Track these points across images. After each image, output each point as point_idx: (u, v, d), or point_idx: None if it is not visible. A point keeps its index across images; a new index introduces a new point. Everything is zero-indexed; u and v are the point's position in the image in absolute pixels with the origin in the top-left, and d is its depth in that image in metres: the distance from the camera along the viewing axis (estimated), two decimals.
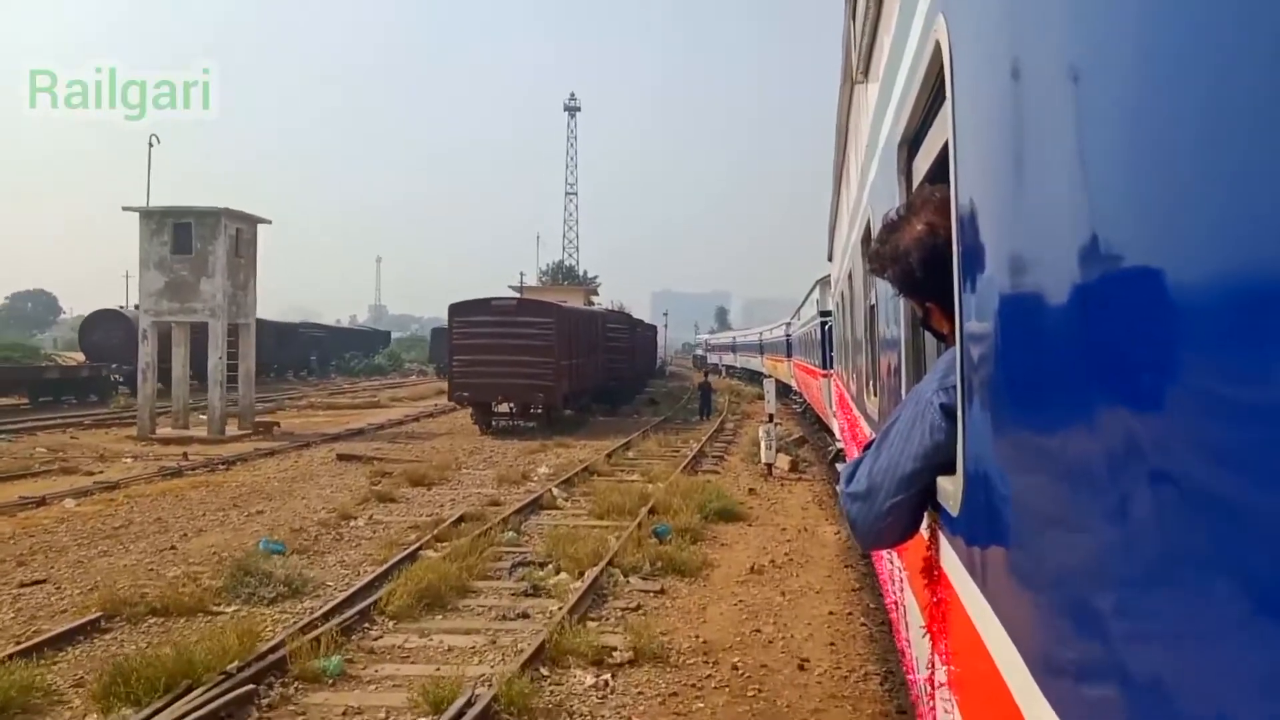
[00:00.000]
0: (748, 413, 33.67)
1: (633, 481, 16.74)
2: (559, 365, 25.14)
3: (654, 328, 58.53)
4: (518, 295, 25.64)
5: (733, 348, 73.87)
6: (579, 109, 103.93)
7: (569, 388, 26.45)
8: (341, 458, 20.03)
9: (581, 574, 9.83)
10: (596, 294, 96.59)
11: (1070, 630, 1.20)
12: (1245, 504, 0.74)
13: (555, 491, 14.90)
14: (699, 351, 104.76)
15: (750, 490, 16.13)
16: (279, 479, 17.40)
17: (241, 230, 26.39)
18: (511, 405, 26.10)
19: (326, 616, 8.34)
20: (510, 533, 11.85)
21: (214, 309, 25.38)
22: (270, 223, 27.85)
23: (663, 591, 9.61)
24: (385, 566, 10.10)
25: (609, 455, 19.68)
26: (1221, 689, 0.79)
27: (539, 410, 26.17)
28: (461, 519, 12.87)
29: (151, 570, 10.55)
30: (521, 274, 70.28)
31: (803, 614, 9.01)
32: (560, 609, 8.59)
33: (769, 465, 18.28)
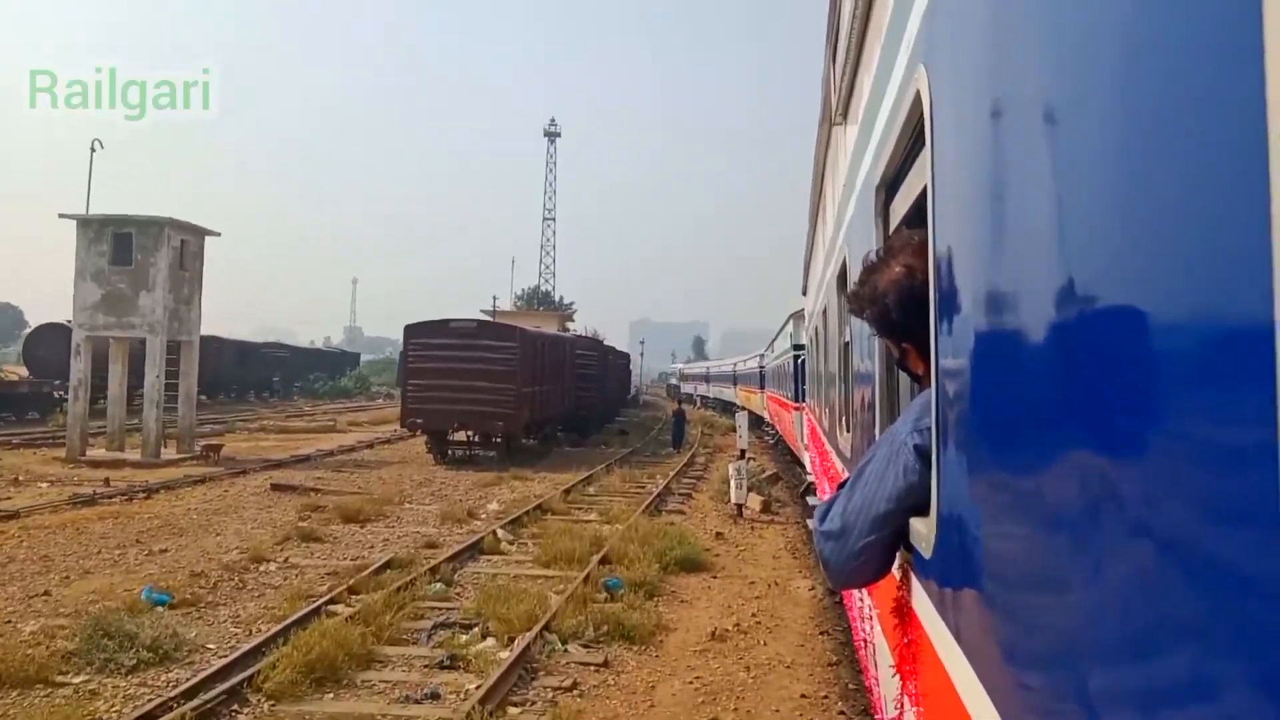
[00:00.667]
0: (720, 446, 32.27)
1: (589, 522, 15.24)
2: (521, 392, 23.64)
3: (627, 355, 56.99)
4: (479, 318, 24.04)
5: (706, 378, 74.10)
6: (559, 134, 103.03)
7: (531, 416, 24.92)
8: (275, 488, 18.41)
9: (512, 640, 8.34)
10: (572, 320, 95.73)
11: (1041, 675, 1.22)
12: (1223, 551, 0.74)
13: (500, 533, 13.39)
14: (673, 381, 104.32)
15: (717, 535, 14.69)
16: (199, 510, 15.77)
17: (187, 242, 24.82)
18: (470, 434, 24.52)
19: (191, 693, 6.81)
20: (438, 584, 10.32)
21: (153, 324, 23.73)
22: (219, 235, 26.29)
23: (606, 664, 8.12)
24: (281, 625, 8.55)
25: (567, 491, 18.16)
26: None
27: (499, 440, 24.63)
28: (388, 565, 11.33)
29: (9, 623, 8.96)
30: (494, 298, 68.80)
31: (770, 696, 7.56)
32: (478, 688, 7.09)
33: (739, 506, 16.85)
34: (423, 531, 14.24)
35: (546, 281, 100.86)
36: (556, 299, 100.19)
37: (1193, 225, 0.78)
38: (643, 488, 19.96)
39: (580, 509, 16.71)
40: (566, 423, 31.73)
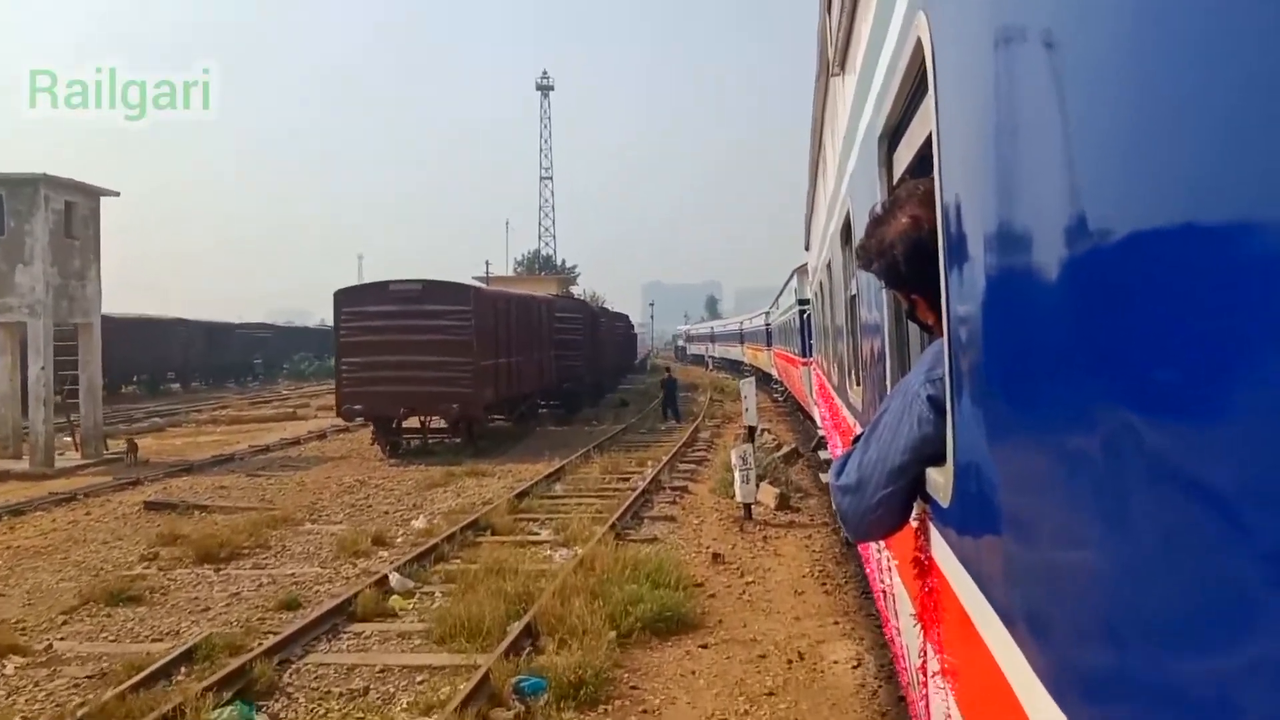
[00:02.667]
0: (729, 415, 27.94)
1: (538, 544, 11.10)
2: (479, 366, 19.40)
3: (625, 317, 52.33)
4: (425, 278, 19.61)
5: (712, 337, 71.37)
6: (552, 88, 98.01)
7: (496, 394, 20.66)
8: (150, 507, 14.32)
9: None
10: (575, 283, 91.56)
11: (1065, 616, 1.22)
12: (1233, 492, 0.75)
13: (395, 580, 9.20)
14: (680, 342, 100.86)
15: (714, 557, 10.46)
16: (20, 549, 11.68)
17: (74, 204, 20.63)
18: (424, 420, 20.36)
19: None
20: (229, 709, 6.13)
21: (33, 305, 19.64)
22: (117, 194, 22.08)
23: None
24: None
25: (521, 496, 13.94)
26: (1215, 673, 0.80)
27: (462, 423, 20.45)
28: (190, 655, 7.21)
29: None
30: (488, 263, 64.33)
31: None
32: None
33: (747, 506, 12.65)
34: (298, 574, 10.10)
35: (547, 244, 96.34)
36: (558, 263, 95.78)
37: (1207, 164, 0.77)
38: (626, 480, 15.77)
39: (535, 521, 12.51)
40: (551, 397, 27.55)
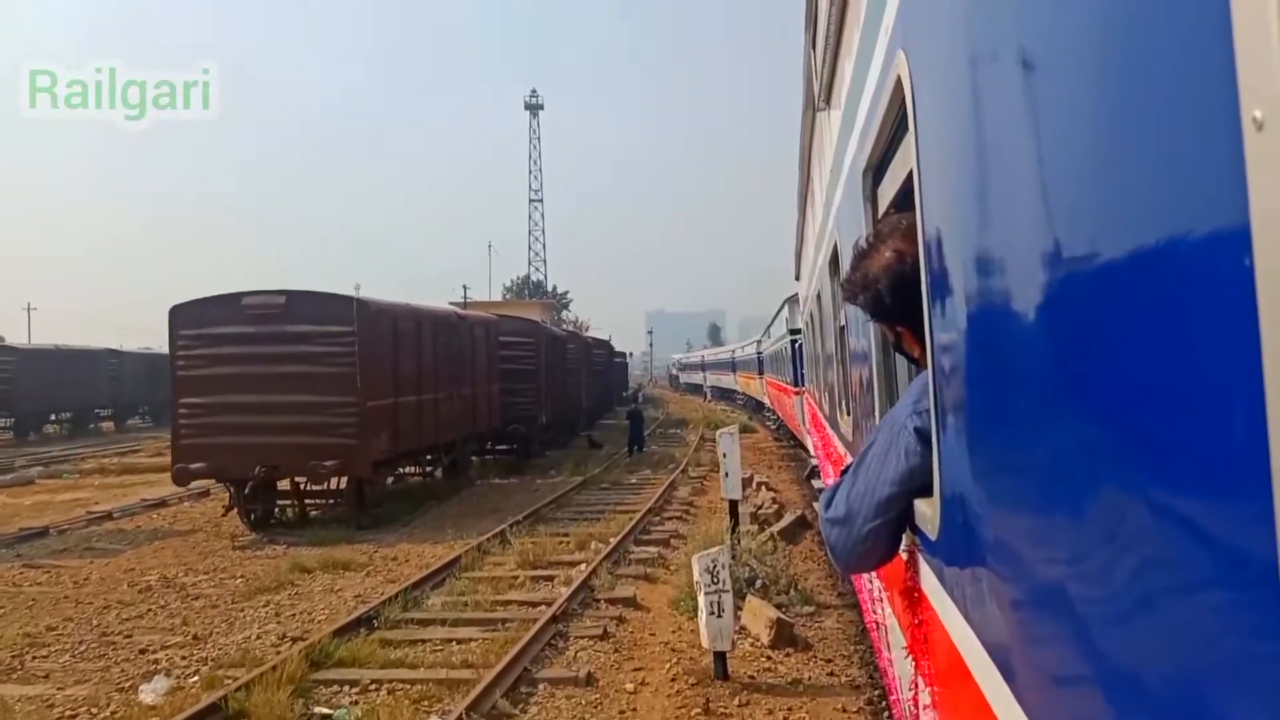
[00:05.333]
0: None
1: None
2: (368, 407, 14.11)
3: (606, 343, 46.68)
4: (291, 289, 14.45)
5: (703, 366, 68.26)
6: (541, 106, 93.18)
7: (394, 444, 15.24)
8: None
9: None
10: (567, 309, 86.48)
11: (1051, 650, 1.22)
12: (1222, 522, 0.74)
13: None
14: (673, 371, 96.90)
15: None
16: None
17: None
18: (298, 482, 15.09)
19: None
20: None
21: None
22: None
23: None
24: None
25: (356, 624, 8.65)
26: (1203, 707, 0.79)
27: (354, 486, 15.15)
28: None
29: None
30: (465, 287, 59.16)
31: None
32: None
33: (719, 655, 7.41)
34: None
35: (537, 270, 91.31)
36: (549, 288, 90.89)
37: (1184, 195, 0.78)
38: (548, 581, 10.51)
39: (348, 685, 7.22)
40: (499, 441, 22.31)
